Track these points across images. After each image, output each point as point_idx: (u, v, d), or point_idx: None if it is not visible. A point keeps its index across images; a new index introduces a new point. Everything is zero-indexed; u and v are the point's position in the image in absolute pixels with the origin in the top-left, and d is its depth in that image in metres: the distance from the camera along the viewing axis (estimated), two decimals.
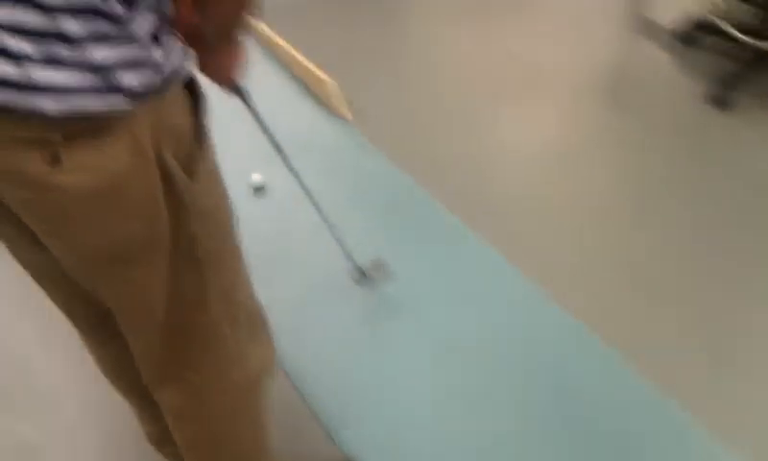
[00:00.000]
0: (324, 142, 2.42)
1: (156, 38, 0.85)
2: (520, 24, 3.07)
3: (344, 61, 2.81)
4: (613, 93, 2.65)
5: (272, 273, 1.96)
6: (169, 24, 0.89)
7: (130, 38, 0.81)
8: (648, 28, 2.91)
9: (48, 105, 0.77)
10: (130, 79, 0.82)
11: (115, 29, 0.79)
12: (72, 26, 0.76)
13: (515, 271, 1.88)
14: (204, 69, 1.09)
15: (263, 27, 2.87)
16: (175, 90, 0.92)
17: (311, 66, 2.61)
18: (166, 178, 0.91)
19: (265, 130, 1.41)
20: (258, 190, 2.32)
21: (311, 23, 3.08)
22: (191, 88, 0.98)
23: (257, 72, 2.74)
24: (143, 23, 0.82)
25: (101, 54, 0.79)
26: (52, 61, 0.76)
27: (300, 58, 2.67)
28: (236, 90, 1.24)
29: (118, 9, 0.79)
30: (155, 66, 0.85)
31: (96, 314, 1.13)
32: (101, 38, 0.78)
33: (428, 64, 2.84)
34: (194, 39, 1.04)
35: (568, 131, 2.48)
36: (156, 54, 0.85)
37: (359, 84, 2.66)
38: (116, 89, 0.81)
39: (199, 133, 0.98)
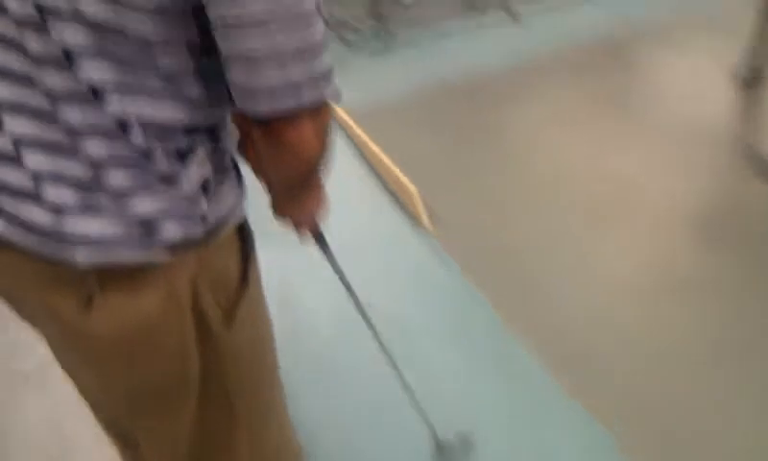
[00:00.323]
0: (398, 251, 2.38)
1: (205, 188, 0.81)
2: (622, 139, 2.94)
3: (431, 169, 2.78)
4: (714, 228, 2.47)
5: (319, 393, 1.88)
6: (224, 173, 0.86)
7: (176, 191, 0.78)
8: (758, 163, 2.73)
9: (80, 256, 0.75)
10: (171, 231, 0.78)
11: (162, 182, 0.77)
12: (117, 178, 0.75)
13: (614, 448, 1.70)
14: (276, 213, 1.04)
15: (351, 122, 2.91)
16: (222, 236, 0.87)
17: (396, 170, 2.59)
18: (200, 325, 0.87)
19: (341, 276, 1.32)
20: None
21: (403, 126, 3.08)
22: (242, 231, 0.93)
23: (340, 165, 2.79)
24: (193, 175, 0.79)
25: (143, 206, 0.76)
26: (90, 212, 0.75)
27: (386, 159, 2.66)
28: (312, 236, 1.16)
29: (167, 162, 0.76)
30: (200, 218, 0.81)
31: (125, 439, 1.10)
32: (145, 191, 0.76)
33: (521, 177, 2.75)
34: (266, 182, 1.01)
35: (663, 264, 2.31)
36: (203, 205, 0.81)
37: (445, 194, 2.62)
38: (155, 242, 0.78)
39: (245, 276, 0.94)
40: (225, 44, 0.70)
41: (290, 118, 0.73)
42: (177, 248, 0.80)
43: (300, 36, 0.69)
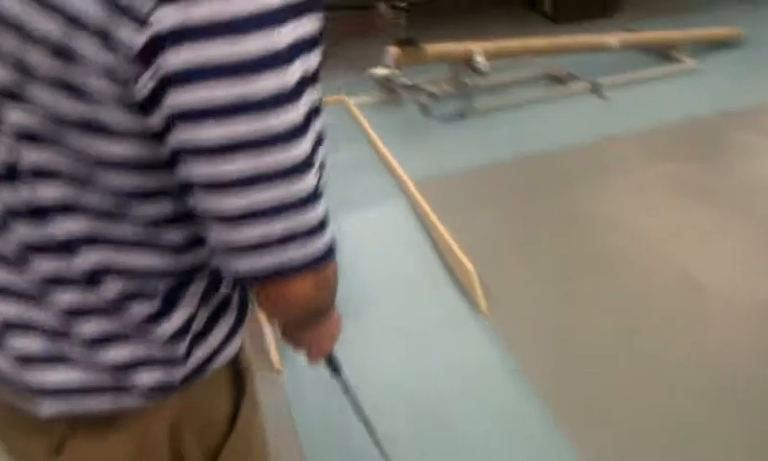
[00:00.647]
0: (450, 331, 2.27)
1: (191, 330, 0.75)
2: (704, 230, 2.71)
3: (495, 245, 2.68)
4: None
5: None
6: (219, 312, 0.79)
7: (154, 337, 0.72)
8: None
9: (45, 407, 0.72)
10: (146, 378, 0.73)
11: (138, 329, 0.71)
12: (88, 328, 0.70)
13: None
14: (287, 341, 0.97)
15: (415, 190, 2.84)
16: (209, 375, 0.80)
17: (455, 246, 2.50)
18: None
19: (357, 408, 1.23)
20: None
21: (471, 197, 2.99)
22: (236, 364, 0.86)
23: (399, 233, 2.73)
24: (176, 320, 0.73)
25: (115, 354, 0.71)
26: (57, 361, 0.71)
27: (446, 234, 2.58)
28: (326, 363, 1.09)
29: (146, 309, 0.71)
30: (181, 362, 0.75)
31: None
32: (119, 339, 0.71)
33: (589, 262, 2.57)
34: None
35: (736, 377, 2.10)
36: (186, 349, 0.75)
37: (507, 273, 2.50)
38: (128, 390, 0.73)
39: (237, 413, 0.87)
40: (198, 204, 0.63)
41: (277, 277, 0.65)
42: (153, 393, 0.74)
43: (284, 192, 0.61)
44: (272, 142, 0.58)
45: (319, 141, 0.64)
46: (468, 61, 3.48)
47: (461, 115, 3.58)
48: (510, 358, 2.13)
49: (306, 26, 0.59)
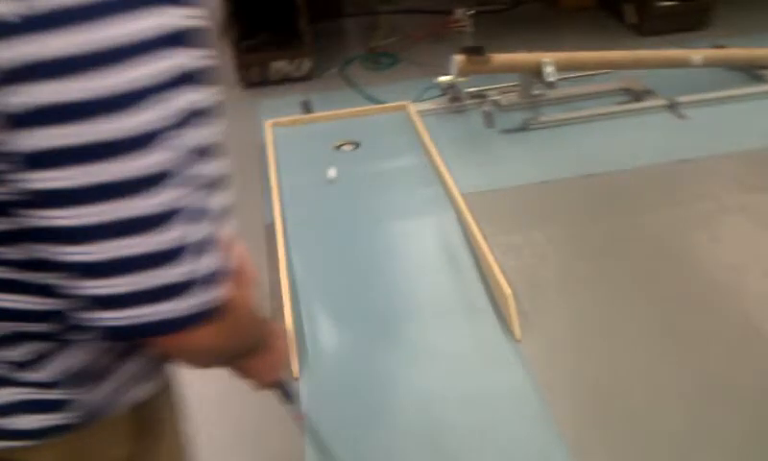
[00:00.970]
0: (479, 360, 2.16)
1: (79, 370, 0.70)
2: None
3: (544, 268, 2.54)
4: None
5: None
6: (120, 355, 0.74)
7: (34, 381, 0.68)
8: None
9: None
10: (26, 421, 0.69)
11: (15, 372, 0.67)
12: None
13: None
14: (232, 372, 0.92)
15: (464, 205, 2.74)
16: (109, 418, 0.75)
17: (495, 267, 2.39)
18: None
19: (316, 439, 1.18)
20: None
21: (524, 213, 2.86)
22: (141, 413, 0.80)
23: (445, 246, 2.64)
24: (64, 361, 0.68)
25: None
26: None
27: (488, 253, 2.47)
28: (275, 389, 1.04)
29: (24, 350, 0.67)
30: (66, 404, 0.70)
31: None
32: None
33: (645, 297, 2.39)
34: None
35: None
36: (72, 391, 0.70)
37: (553, 301, 2.37)
38: (7, 432, 0.69)
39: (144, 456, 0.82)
40: (48, 250, 0.57)
41: (151, 333, 0.59)
42: (35, 436, 0.70)
43: (138, 245, 0.55)
44: (121, 190, 0.53)
45: (211, 187, 0.58)
46: (536, 72, 3.34)
47: (525, 127, 3.45)
48: (538, 392, 2.00)
49: (175, 60, 0.53)
